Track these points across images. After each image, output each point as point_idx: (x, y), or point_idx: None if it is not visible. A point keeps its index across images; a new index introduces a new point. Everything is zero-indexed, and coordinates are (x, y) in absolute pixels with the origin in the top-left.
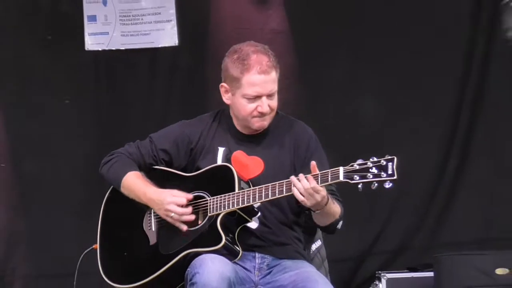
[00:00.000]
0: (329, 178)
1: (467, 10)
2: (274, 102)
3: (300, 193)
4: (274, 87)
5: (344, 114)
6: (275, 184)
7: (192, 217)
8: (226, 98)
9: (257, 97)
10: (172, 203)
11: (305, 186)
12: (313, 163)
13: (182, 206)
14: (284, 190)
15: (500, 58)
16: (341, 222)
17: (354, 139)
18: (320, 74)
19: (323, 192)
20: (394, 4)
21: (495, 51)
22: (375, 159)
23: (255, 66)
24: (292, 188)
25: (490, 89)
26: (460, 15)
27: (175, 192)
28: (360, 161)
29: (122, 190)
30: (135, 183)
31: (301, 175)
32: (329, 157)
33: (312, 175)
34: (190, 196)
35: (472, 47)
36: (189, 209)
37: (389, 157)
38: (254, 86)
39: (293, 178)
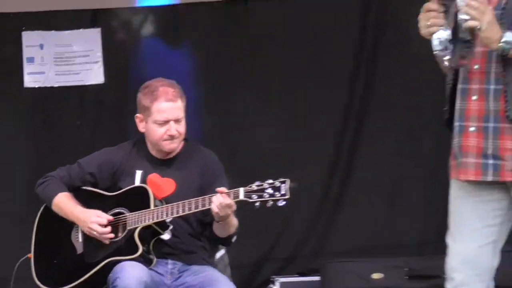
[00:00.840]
0: (232, 197)
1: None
2: (181, 127)
3: (218, 207)
4: (180, 113)
5: (244, 141)
6: (185, 202)
7: (111, 235)
8: (141, 127)
9: (166, 122)
10: (95, 222)
11: (222, 203)
12: (222, 188)
13: (103, 225)
14: (193, 207)
15: (382, 82)
16: (235, 236)
17: (253, 163)
18: (224, 106)
19: (234, 207)
20: (282, 34)
21: (377, 77)
22: (271, 181)
23: (163, 95)
24: (212, 204)
25: (371, 111)
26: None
27: (99, 213)
28: (257, 183)
29: (53, 208)
30: (64, 203)
31: (218, 195)
32: (231, 179)
33: (225, 192)
34: (111, 218)
35: (356, 71)
36: (108, 229)
37: (282, 179)
38: (162, 113)
39: (213, 196)
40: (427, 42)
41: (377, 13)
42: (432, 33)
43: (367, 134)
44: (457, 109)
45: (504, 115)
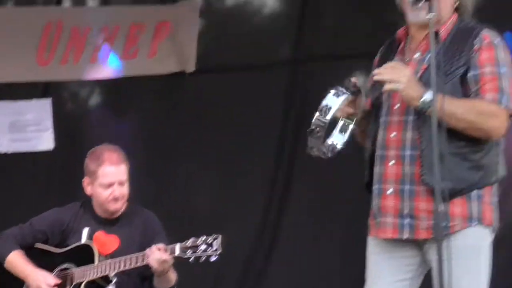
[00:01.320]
0: (168, 253)
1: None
2: (124, 189)
3: (156, 262)
4: (123, 176)
5: (181, 201)
6: (127, 257)
7: None
8: (88, 190)
9: (111, 184)
10: (43, 283)
11: (159, 258)
12: (160, 245)
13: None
14: (133, 262)
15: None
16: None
17: (189, 221)
18: (163, 171)
19: (171, 261)
20: (217, 105)
21: (301, 146)
22: (204, 237)
23: (107, 160)
24: (150, 259)
25: (296, 175)
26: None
27: (48, 275)
28: (193, 239)
29: (6, 265)
30: (16, 261)
31: (155, 249)
32: (169, 236)
33: (163, 248)
34: (59, 281)
35: (283, 140)
36: None
37: (215, 236)
38: (107, 176)
39: (149, 251)
40: None
41: (301, 87)
42: None
43: (292, 197)
44: (376, 173)
45: (419, 179)
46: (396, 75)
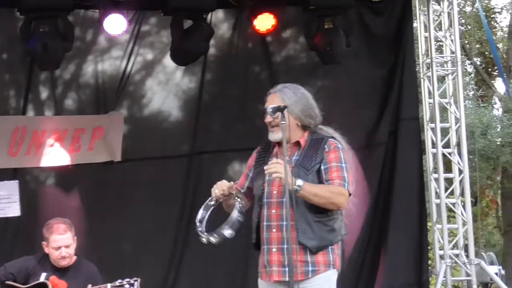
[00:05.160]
0: None
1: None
2: (70, 250)
3: None
4: (68, 241)
5: (110, 250)
6: None
7: None
8: (45, 249)
9: (59, 247)
10: None
11: None
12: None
13: None
14: None
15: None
16: None
17: (117, 268)
18: (97, 230)
19: None
20: (137, 191)
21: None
22: (128, 279)
23: (56, 230)
24: None
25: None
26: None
27: None
28: (119, 280)
29: None
30: None
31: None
32: (105, 279)
33: None
34: None
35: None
36: None
37: (136, 278)
38: (56, 242)
39: None
40: None
41: (196, 172)
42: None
43: (190, 251)
44: (264, 238)
45: (294, 240)
46: (279, 169)
